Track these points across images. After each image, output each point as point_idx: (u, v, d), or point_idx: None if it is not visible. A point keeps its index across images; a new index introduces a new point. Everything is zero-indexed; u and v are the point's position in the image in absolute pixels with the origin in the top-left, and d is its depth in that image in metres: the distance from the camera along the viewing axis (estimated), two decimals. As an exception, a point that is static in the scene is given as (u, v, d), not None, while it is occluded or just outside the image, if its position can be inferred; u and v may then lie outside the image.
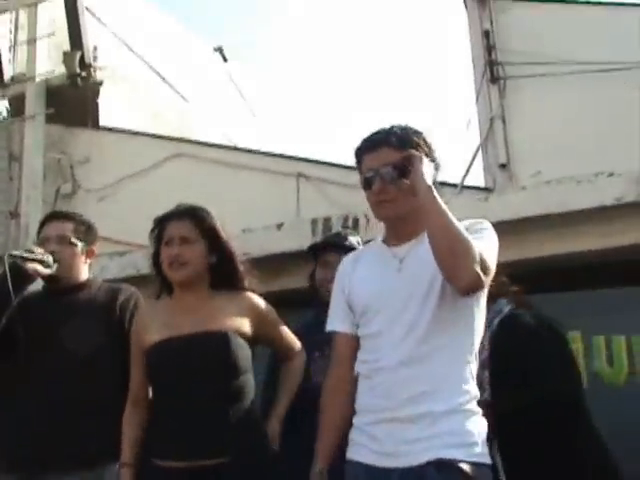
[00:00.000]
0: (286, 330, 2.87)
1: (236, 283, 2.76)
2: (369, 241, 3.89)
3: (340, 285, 2.50)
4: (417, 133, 2.40)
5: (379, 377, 2.26)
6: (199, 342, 2.62)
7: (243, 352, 2.64)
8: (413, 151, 2.28)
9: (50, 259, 2.99)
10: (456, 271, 2.14)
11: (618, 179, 3.51)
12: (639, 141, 4.16)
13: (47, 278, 3.04)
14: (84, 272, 3.18)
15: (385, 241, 2.47)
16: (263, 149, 7.98)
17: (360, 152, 2.41)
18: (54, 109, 7.79)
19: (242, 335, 2.66)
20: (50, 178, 7.89)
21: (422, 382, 2.19)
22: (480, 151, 6.31)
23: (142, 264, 4.14)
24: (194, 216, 2.77)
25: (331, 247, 3.36)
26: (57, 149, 7.98)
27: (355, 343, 2.41)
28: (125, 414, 2.75)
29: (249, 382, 2.66)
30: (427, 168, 2.25)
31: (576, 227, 3.41)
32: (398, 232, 2.40)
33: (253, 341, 2.71)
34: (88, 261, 3.21)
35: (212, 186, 7.55)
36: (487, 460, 2.15)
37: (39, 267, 2.94)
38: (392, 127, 2.40)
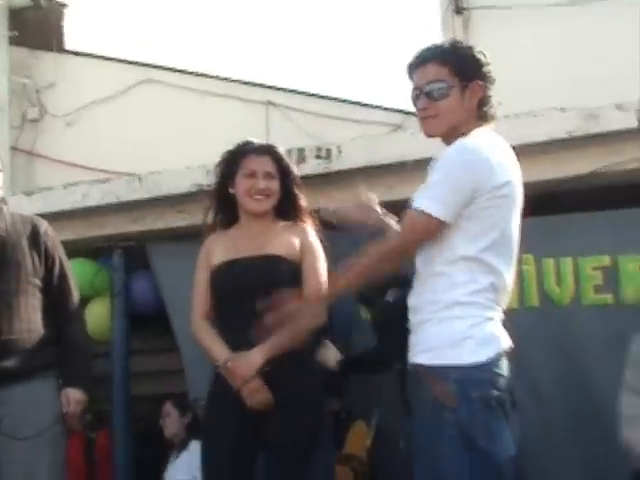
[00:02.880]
0: (315, 281, 2.97)
1: (296, 215, 3.03)
2: (342, 172, 4.16)
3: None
4: (462, 49, 2.45)
5: None
6: (257, 264, 2.92)
7: (293, 276, 2.92)
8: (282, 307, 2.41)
9: None
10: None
11: (570, 114, 3.74)
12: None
13: None
14: None
15: None
16: (233, 77, 8.02)
17: (409, 69, 2.47)
18: (17, 32, 7.75)
19: (293, 262, 2.95)
20: (16, 103, 7.88)
21: (413, 297, 2.40)
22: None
23: (123, 192, 4.32)
24: (273, 154, 3.03)
25: None
26: (22, 73, 7.92)
27: None
28: (197, 326, 3.02)
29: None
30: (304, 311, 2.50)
31: (531, 158, 3.64)
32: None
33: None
34: None
35: (180, 113, 7.63)
36: (448, 361, 2.26)
37: None
38: (439, 44, 2.47)
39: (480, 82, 2.40)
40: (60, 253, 3.30)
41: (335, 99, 7.96)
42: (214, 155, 5.92)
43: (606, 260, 3.70)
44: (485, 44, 5.78)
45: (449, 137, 2.41)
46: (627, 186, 3.76)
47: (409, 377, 2.41)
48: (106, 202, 4.34)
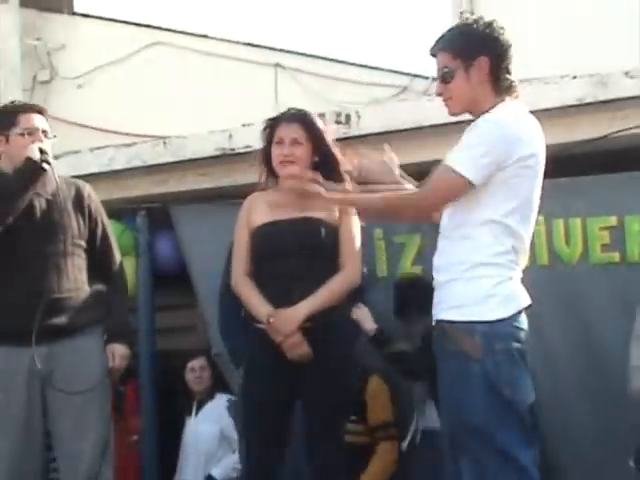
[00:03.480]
0: (352, 244, 3.17)
1: (335, 176, 3.08)
2: (360, 136, 4.32)
3: None
4: (464, 30, 2.61)
5: None
6: (298, 226, 3.09)
7: (332, 237, 3.11)
8: (316, 189, 2.64)
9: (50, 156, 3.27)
10: (414, 217, 2.65)
11: (581, 81, 3.90)
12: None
13: None
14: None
15: None
16: (242, 39, 8.08)
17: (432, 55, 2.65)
18: (28, -7, 7.81)
19: (332, 225, 3.13)
20: (26, 64, 7.96)
21: (437, 257, 2.58)
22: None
23: (148, 155, 4.48)
24: (303, 120, 3.16)
25: None
26: (32, 35, 8.00)
27: None
28: (239, 282, 3.17)
29: (334, 260, 3.12)
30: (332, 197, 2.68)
31: (542, 123, 3.80)
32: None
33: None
34: None
35: (189, 76, 7.73)
36: (474, 318, 2.43)
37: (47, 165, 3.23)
38: (444, 32, 2.62)
39: (485, 57, 2.52)
40: (102, 215, 3.45)
41: (343, 62, 8.04)
42: (222, 118, 6.08)
43: (613, 221, 3.87)
44: (492, 10, 5.87)
45: (473, 114, 2.58)
46: (634, 150, 3.95)
47: (434, 333, 2.57)
48: (132, 165, 4.50)
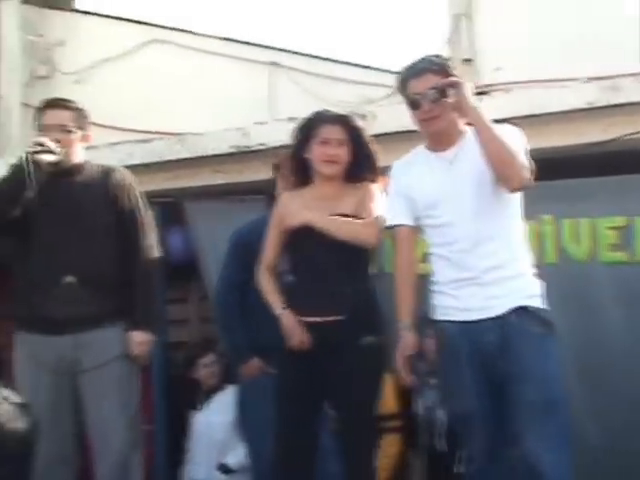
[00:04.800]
0: (370, 212, 3.23)
1: (365, 177, 3.28)
2: (375, 136, 4.37)
3: (397, 186, 3.04)
4: (447, 60, 2.99)
5: (457, 256, 2.86)
6: None
7: None
8: (456, 78, 2.83)
9: (57, 148, 3.36)
10: (507, 177, 2.76)
11: (591, 85, 4.04)
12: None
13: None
14: (80, 156, 3.53)
15: (429, 149, 3.00)
16: (238, 37, 8.16)
17: (405, 79, 2.93)
18: (28, -11, 7.84)
19: (362, 218, 3.20)
20: (26, 60, 7.99)
21: (494, 256, 2.83)
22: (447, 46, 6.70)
23: (165, 152, 4.56)
24: (346, 122, 3.27)
25: None
26: (32, 31, 8.04)
27: (414, 233, 3.02)
28: (261, 277, 3.33)
29: (365, 255, 3.25)
30: (469, 90, 2.78)
31: (553, 126, 3.95)
32: (442, 141, 2.94)
33: None
34: (84, 145, 3.56)
35: (185, 73, 7.78)
36: (543, 305, 2.88)
37: (49, 157, 3.33)
38: (430, 56, 2.95)
39: None
40: (132, 201, 3.51)
41: (336, 61, 8.15)
42: (218, 115, 6.13)
43: (621, 221, 4.02)
44: (492, 11, 5.94)
45: None
46: (640, 153, 4.09)
47: (513, 318, 2.83)
48: (148, 161, 4.58)
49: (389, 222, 3.07)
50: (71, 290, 3.31)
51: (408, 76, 2.92)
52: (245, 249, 3.73)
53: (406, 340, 2.91)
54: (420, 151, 3.06)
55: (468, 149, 2.87)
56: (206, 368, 4.89)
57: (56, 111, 3.46)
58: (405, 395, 4.14)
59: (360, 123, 3.35)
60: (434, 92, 2.82)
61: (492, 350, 2.80)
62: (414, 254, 3.05)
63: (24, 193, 3.29)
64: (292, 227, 3.21)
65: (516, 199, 2.90)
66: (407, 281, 2.98)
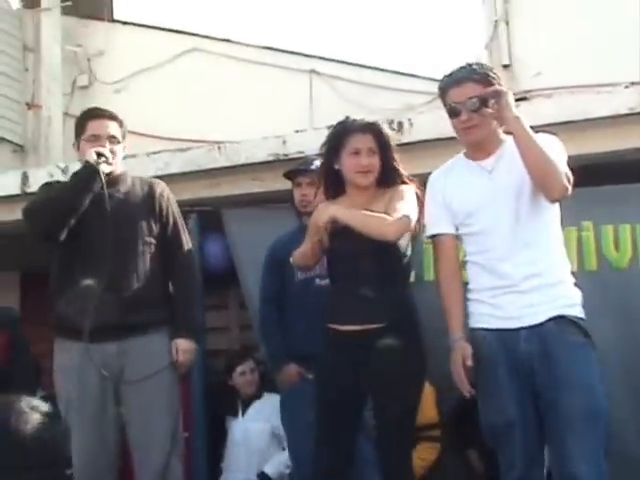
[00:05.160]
0: (395, 206, 3.18)
1: (394, 181, 3.26)
2: (413, 143, 4.41)
3: (435, 195, 3.02)
4: (490, 69, 2.95)
5: (492, 263, 2.85)
6: None
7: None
8: (499, 87, 2.83)
9: (111, 158, 3.40)
10: (548, 187, 2.75)
11: (632, 90, 4.00)
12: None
13: None
14: (120, 166, 3.56)
15: (468, 157, 3.00)
16: (277, 46, 8.20)
17: (445, 87, 2.93)
18: (70, 2, 7.97)
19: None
20: (66, 70, 8.13)
21: (532, 264, 2.81)
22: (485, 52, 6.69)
23: (203, 160, 4.59)
24: (376, 132, 3.24)
25: (302, 171, 3.92)
26: (73, 41, 8.17)
27: (456, 241, 3.00)
28: None
29: (405, 263, 3.25)
30: (511, 99, 2.77)
31: (592, 132, 3.91)
32: (482, 149, 2.94)
33: None
34: (123, 155, 3.58)
35: (225, 82, 7.85)
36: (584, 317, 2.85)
37: (107, 168, 3.37)
38: (471, 64, 2.92)
39: None
40: (175, 214, 3.57)
41: (375, 68, 8.17)
42: (257, 123, 6.17)
43: (662, 226, 3.98)
44: (530, 17, 5.92)
45: None
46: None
47: (552, 326, 2.80)
48: (186, 169, 4.62)
49: (430, 231, 3.06)
50: (114, 299, 3.33)
51: (448, 84, 2.92)
52: (277, 264, 3.83)
53: (465, 351, 2.86)
54: (459, 159, 3.06)
55: (508, 158, 2.87)
56: (243, 376, 4.90)
57: (104, 121, 3.48)
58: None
59: (386, 129, 3.34)
60: (474, 101, 2.82)
61: (530, 358, 2.78)
62: (458, 263, 3.03)
63: (85, 203, 3.33)
64: (321, 224, 3.16)
65: (554, 206, 2.89)
66: (454, 294, 2.94)
